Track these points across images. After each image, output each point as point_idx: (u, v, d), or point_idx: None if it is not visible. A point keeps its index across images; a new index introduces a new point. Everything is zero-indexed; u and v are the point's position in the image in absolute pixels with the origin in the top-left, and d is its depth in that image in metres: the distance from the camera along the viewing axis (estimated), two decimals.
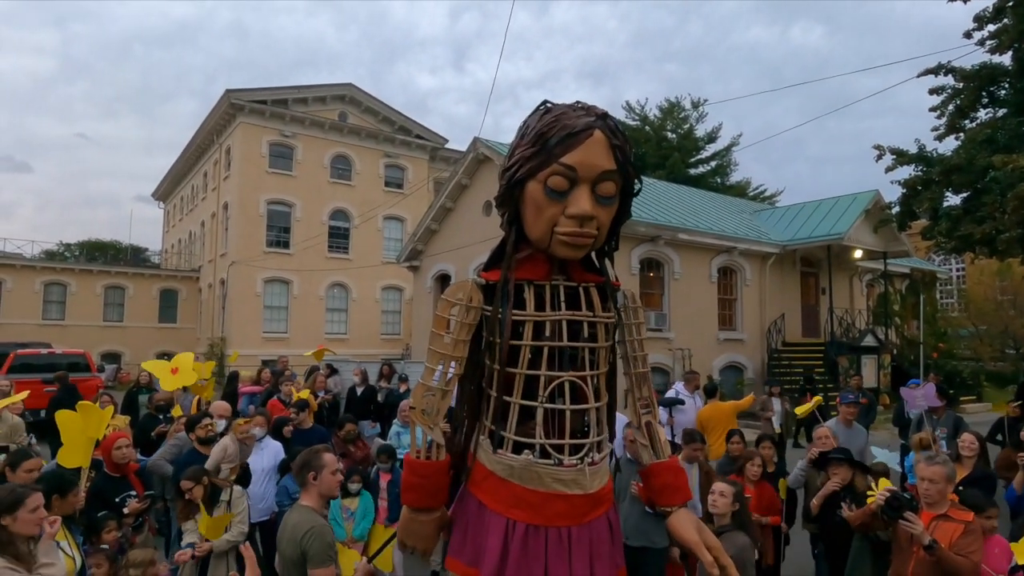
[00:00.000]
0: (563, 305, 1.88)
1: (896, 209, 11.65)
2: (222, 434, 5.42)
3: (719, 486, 3.83)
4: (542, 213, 1.79)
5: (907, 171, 10.92)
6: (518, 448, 1.84)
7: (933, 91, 10.64)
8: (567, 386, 1.83)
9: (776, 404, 10.20)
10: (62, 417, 3.90)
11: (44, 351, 16.46)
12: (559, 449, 1.82)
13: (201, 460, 4.86)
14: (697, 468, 5.09)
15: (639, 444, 2.09)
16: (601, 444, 1.91)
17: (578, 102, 1.84)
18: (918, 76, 10.29)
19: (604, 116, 1.79)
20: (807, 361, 17.07)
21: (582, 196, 1.74)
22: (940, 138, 10.88)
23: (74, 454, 3.91)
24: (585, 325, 1.88)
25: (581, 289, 1.91)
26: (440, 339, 1.94)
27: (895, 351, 19.50)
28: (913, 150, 10.79)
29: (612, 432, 2.04)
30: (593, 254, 2.00)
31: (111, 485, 4.43)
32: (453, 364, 1.93)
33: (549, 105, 1.88)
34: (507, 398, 1.86)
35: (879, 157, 10.74)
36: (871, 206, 17.77)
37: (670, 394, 8.51)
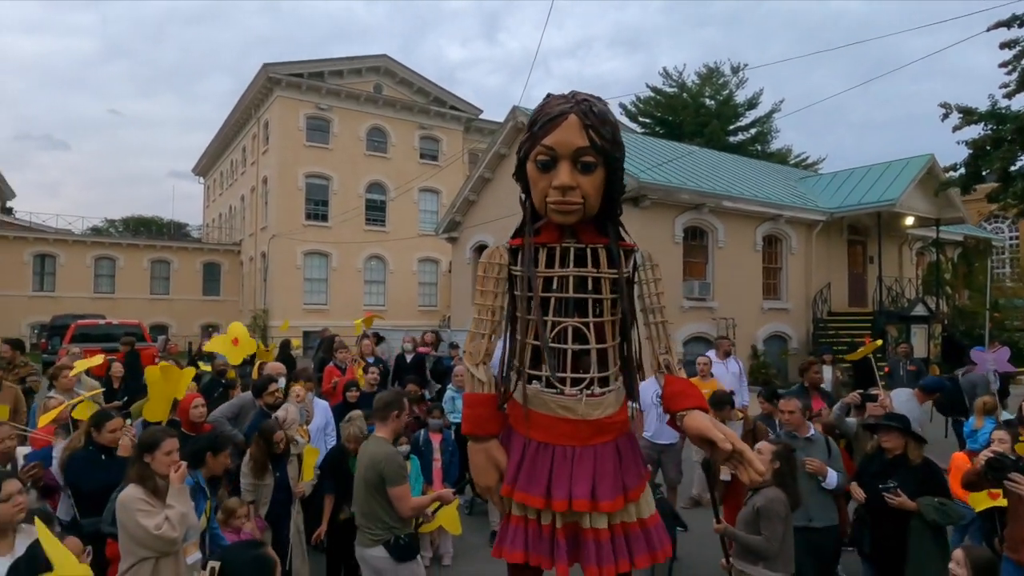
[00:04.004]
0: (572, 264, 2.21)
1: (961, 171, 11.10)
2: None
3: (760, 445, 3.89)
4: (536, 186, 2.19)
5: (974, 131, 10.36)
6: (532, 381, 2.25)
7: (1005, 45, 10.02)
8: (570, 330, 2.19)
9: (828, 372, 10.02)
10: (151, 375, 4.04)
11: (102, 322, 17.07)
12: (562, 381, 2.19)
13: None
14: (741, 425, 5.46)
15: (656, 374, 2.36)
16: (606, 380, 2.23)
17: (573, 91, 2.21)
18: (988, 30, 9.64)
19: (581, 102, 2.12)
20: (854, 330, 16.67)
21: (562, 170, 2.09)
22: (1010, 95, 10.29)
23: (157, 409, 4.05)
24: (589, 279, 2.20)
25: (589, 250, 2.22)
26: (481, 294, 2.34)
27: (946, 321, 18.94)
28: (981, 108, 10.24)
29: (630, 377, 2.34)
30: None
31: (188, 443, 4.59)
32: (492, 313, 2.31)
33: (548, 97, 2.27)
34: (526, 340, 2.26)
35: (945, 116, 10.23)
36: (925, 171, 17.12)
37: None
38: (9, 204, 39.22)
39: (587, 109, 2.10)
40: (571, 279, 2.21)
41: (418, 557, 3.72)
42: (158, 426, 3.57)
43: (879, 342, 6.26)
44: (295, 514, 4.70)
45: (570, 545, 2.21)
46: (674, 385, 2.27)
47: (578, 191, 2.11)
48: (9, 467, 3.73)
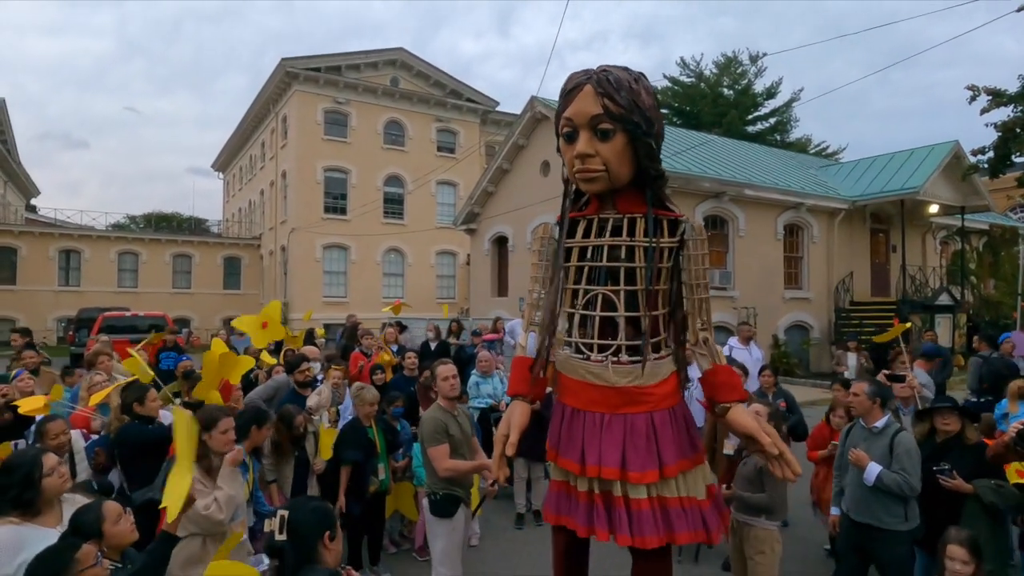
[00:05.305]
0: (608, 234, 2.25)
1: (989, 154, 10.89)
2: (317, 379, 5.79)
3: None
4: (565, 158, 2.26)
5: (1003, 114, 10.15)
6: (566, 347, 2.35)
7: None
8: (599, 298, 2.23)
9: (852, 359, 9.96)
10: (209, 358, 4.11)
11: (128, 313, 17.40)
12: (589, 347, 2.25)
13: (299, 399, 5.23)
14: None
15: (698, 354, 2.34)
16: (636, 349, 2.22)
17: (600, 65, 2.25)
18: (1019, 10, 9.48)
19: (598, 72, 2.17)
20: (877, 320, 16.51)
21: (581, 139, 2.16)
22: None
23: (206, 390, 4.14)
24: (623, 248, 2.23)
25: (626, 219, 2.25)
26: (532, 267, 2.50)
27: (971, 311, 18.67)
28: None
29: (657, 342, 2.29)
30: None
31: None
32: (538, 284, 2.46)
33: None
34: (563, 308, 2.35)
35: (973, 98, 10.06)
36: (950, 158, 16.86)
37: (723, 352, 8.43)
38: (33, 202, 40.00)
39: (602, 78, 2.14)
40: (605, 248, 2.25)
41: (457, 519, 3.83)
42: (213, 406, 3.65)
43: (908, 324, 6.12)
44: (310, 489, 4.82)
45: (605, 512, 2.22)
46: (720, 375, 2.27)
47: (598, 158, 2.15)
48: (66, 457, 3.82)
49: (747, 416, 2.18)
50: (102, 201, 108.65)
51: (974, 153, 13.53)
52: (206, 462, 3.18)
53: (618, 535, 2.17)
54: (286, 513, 2.04)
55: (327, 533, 2.09)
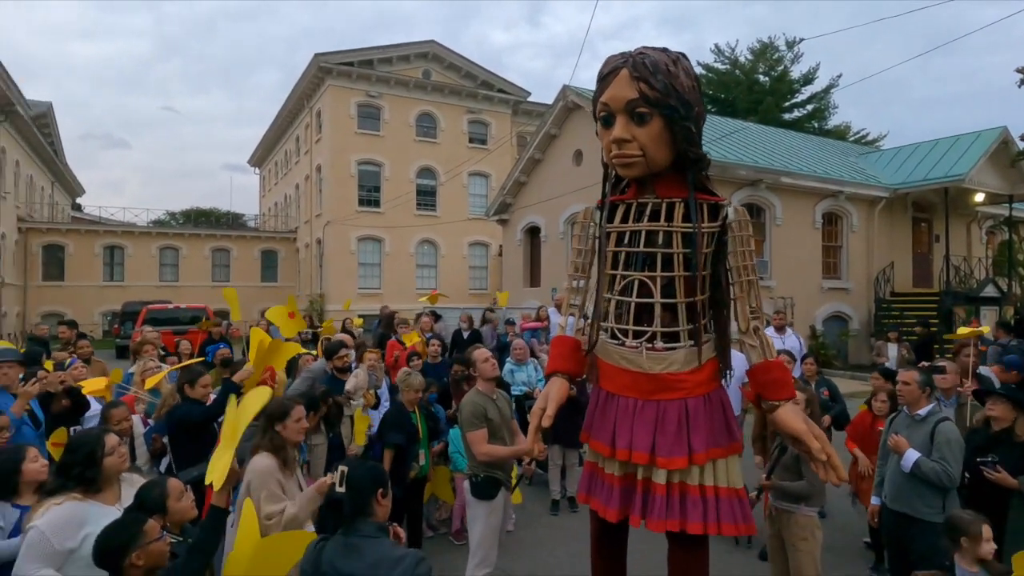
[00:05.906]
0: (646, 219, 2.23)
1: None
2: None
3: None
4: (603, 143, 2.26)
5: None
6: (603, 331, 2.37)
7: None
8: (636, 283, 2.22)
9: (892, 350, 9.76)
10: (256, 346, 4.19)
11: (171, 306, 17.96)
12: (624, 333, 2.26)
13: (337, 384, 5.38)
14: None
15: (748, 345, 2.28)
16: (673, 336, 2.21)
17: (639, 47, 2.20)
18: None
19: (635, 56, 2.14)
20: (919, 312, 16.06)
21: (617, 124, 2.15)
22: None
23: (253, 378, 4.26)
24: (660, 234, 2.20)
25: (665, 204, 2.22)
26: (573, 251, 2.53)
27: (1019, 303, 18.04)
28: None
29: (703, 330, 2.27)
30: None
31: None
32: (576, 269, 2.48)
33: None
34: (601, 293, 2.38)
35: (1023, 82, 9.70)
36: (997, 144, 16.26)
37: None
38: (78, 201, 41.39)
39: (639, 62, 2.11)
40: (643, 234, 2.23)
41: (497, 502, 3.87)
42: (284, 396, 3.74)
43: (986, 328, 6.02)
44: None
45: (625, 495, 2.26)
46: (771, 372, 2.23)
47: (635, 143, 2.14)
48: (126, 440, 3.98)
49: (796, 418, 2.15)
50: (143, 198, 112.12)
51: (1022, 138, 13.04)
52: (283, 453, 3.10)
53: (632, 516, 2.22)
54: (346, 469, 2.20)
55: (380, 490, 2.24)
